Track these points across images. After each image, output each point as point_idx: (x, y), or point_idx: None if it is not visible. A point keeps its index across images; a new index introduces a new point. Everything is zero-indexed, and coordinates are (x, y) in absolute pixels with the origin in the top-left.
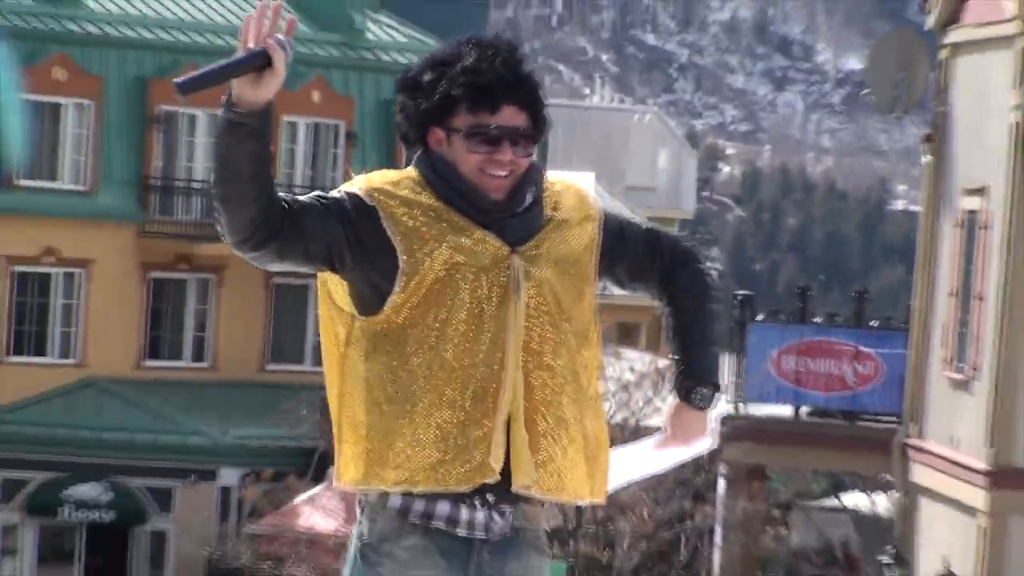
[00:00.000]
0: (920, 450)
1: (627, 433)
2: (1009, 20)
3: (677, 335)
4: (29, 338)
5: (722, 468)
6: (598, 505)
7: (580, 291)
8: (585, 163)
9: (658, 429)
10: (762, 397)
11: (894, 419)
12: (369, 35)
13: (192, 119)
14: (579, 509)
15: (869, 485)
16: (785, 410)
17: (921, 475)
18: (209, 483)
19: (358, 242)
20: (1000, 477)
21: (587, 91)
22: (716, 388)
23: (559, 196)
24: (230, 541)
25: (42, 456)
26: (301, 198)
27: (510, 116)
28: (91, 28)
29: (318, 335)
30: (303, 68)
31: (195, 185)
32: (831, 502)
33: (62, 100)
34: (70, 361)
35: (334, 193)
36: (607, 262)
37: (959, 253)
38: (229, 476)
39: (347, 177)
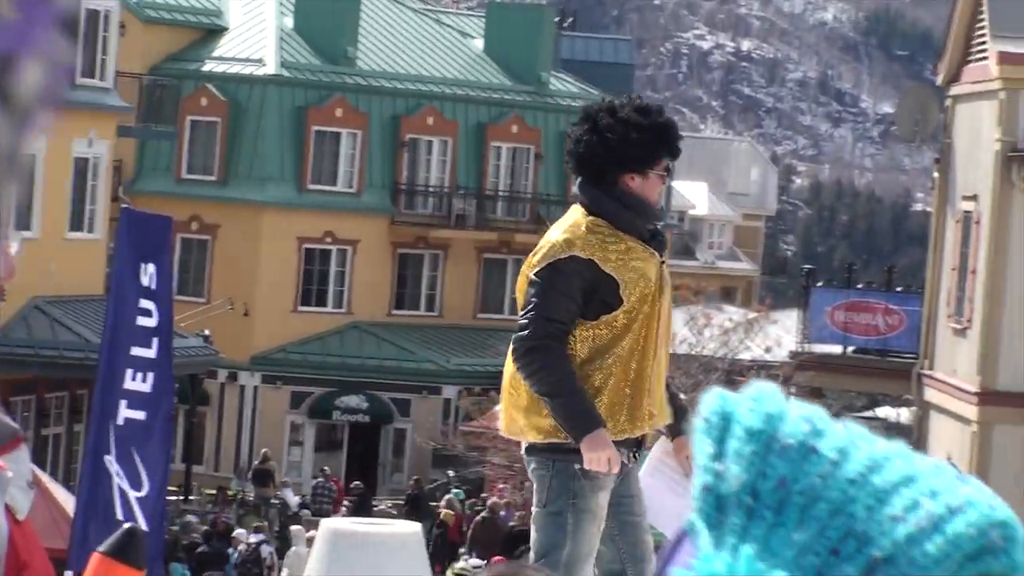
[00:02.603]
0: (931, 378)
1: (727, 363)
2: (994, 79)
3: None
4: (313, 294)
5: (792, 389)
6: None
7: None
8: (701, 176)
9: (750, 363)
10: (821, 339)
11: (913, 356)
12: (551, 86)
13: (429, 144)
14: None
15: (895, 402)
16: (836, 349)
17: (931, 395)
18: (436, 396)
19: (593, 291)
20: (986, 397)
21: (702, 126)
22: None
23: None
24: (450, 437)
25: (321, 376)
26: (567, 319)
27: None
28: (360, 80)
29: (514, 293)
30: (506, 109)
31: (431, 189)
32: (868, 414)
33: (341, 130)
34: (341, 310)
35: (568, 270)
36: None
37: (959, 241)
38: (450, 391)
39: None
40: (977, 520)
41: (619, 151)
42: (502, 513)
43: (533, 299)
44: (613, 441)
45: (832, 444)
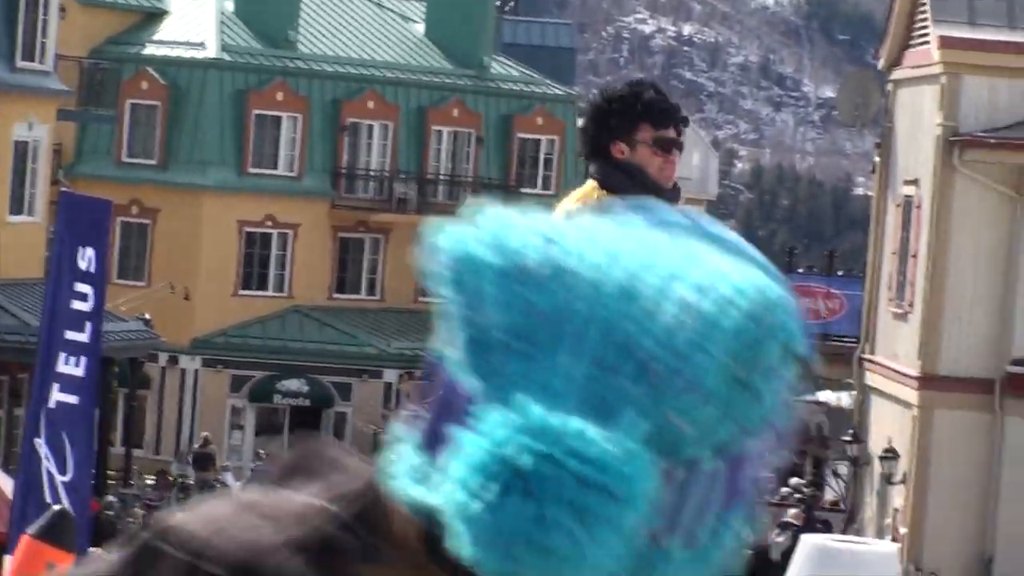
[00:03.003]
0: (871, 362)
1: None
2: (935, 64)
3: None
4: (254, 278)
5: None
6: None
7: None
8: None
9: None
10: None
11: (854, 340)
12: (492, 70)
13: (370, 128)
14: None
15: (836, 386)
16: None
17: (872, 379)
18: (377, 380)
19: None
20: (927, 381)
21: None
22: None
23: None
24: (390, 421)
25: (261, 359)
26: None
27: (672, 133)
28: (300, 64)
29: None
30: (447, 93)
31: (371, 173)
32: (809, 398)
33: (281, 114)
34: (282, 294)
35: None
36: None
37: (899, 225)
38: (391, 375)
39: (476, 169)
40: (733, 293)
41: (600, 120)
42: None
43: None
44: None
45: (571, 251)
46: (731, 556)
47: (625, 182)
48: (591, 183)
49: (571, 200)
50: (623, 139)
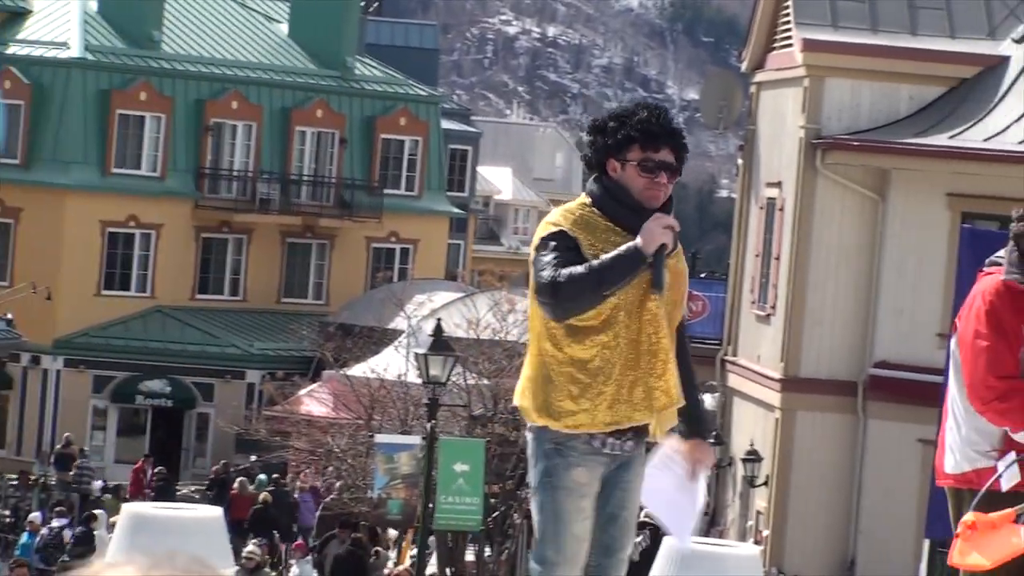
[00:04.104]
0: (734, 364)
1: None
2: (798, 66)
3: (686, 383)
4: (117, 278)
5: None
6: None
7: (680, 291)
8: (505, 162)
9: None
10: None
11: (716, 342)
12: (356, 71)
13: (233, 128)
14: (495, 399)
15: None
16: None
17: (735, 381)
18: (239, 381)
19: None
20: (789, 383)
21: (508, 111)
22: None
23: None
24: (252, 422)
25: (123, 360)
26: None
27: (666, 155)
28: (164, 64)
29: (318, 277)
30: (311, 93)
31: (235, 173)
32: None
33: (145, 114)
34: (145, 294)
35: (558, 241)
36: None
37: (762, 227)
38: (253, 376)
39: (339, 170)
40: None
41: (597, 139)
42: (296, 496)
43: (537, 265)
44: (608, 431)
45: None
46: None
47: (603, 196)
48: (582, 196)
49: (560, 210)
50: (616, 157)
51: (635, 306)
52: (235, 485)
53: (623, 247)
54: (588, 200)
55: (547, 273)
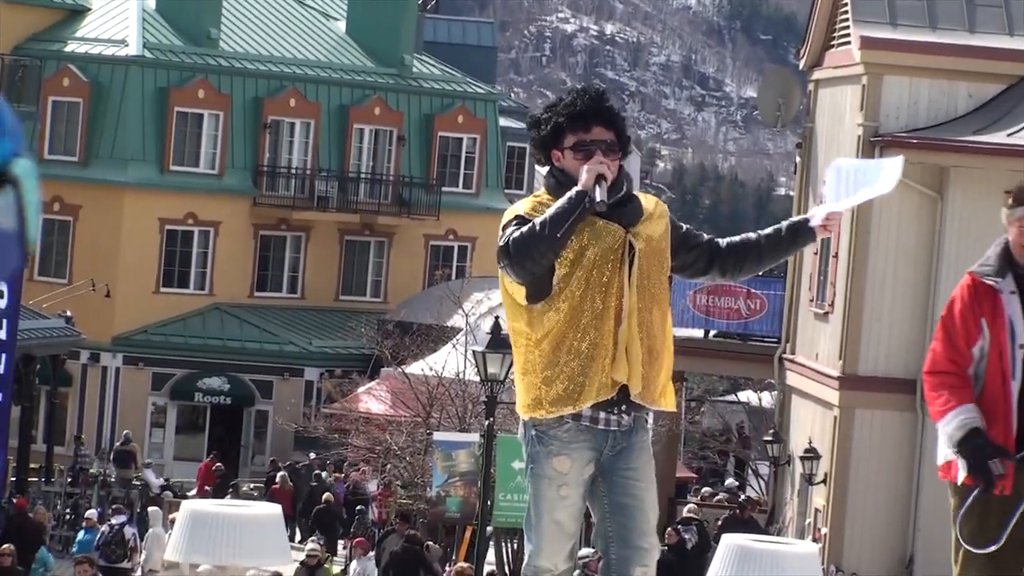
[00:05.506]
0: (792, 362)
1: None
2: (856, 64)
3: (769, 243)
4: (175, 276)
5: None
6: None
7: (661, 264)
8: None
9: None
10: (682, 323)
11: (775, 340)
12: (413, 69)
13: (291, 126)
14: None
15: (757, 386)
16: (698, 333)
17: (793, 379)
18: (298, 378)
19: None
20: (847, 381)
21: None
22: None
23: (644, 198)
24: (311, 419)
25: (182, 357)
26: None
27: (600, 133)
28: (222, 61)
29: (376, 275)
30: (369, 91)
31: (293, 171)
32: (731, 398)
33: (203, 111)
34: (203, 292)
35: (516, 224)
36: (673, 246)
37: None
38: (311, 373)
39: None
40: None
41: (534, 134)
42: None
43: (498, 242)
44: (582, 410)
45: None
46: None
47: (558, 188)
48: (541, 190)
49: (520, 203)
50: (556, 148)
51: (592, 277)
52: (277, 479)
53: (564, 206)
54: (545, 194)
55: (502, 241)
